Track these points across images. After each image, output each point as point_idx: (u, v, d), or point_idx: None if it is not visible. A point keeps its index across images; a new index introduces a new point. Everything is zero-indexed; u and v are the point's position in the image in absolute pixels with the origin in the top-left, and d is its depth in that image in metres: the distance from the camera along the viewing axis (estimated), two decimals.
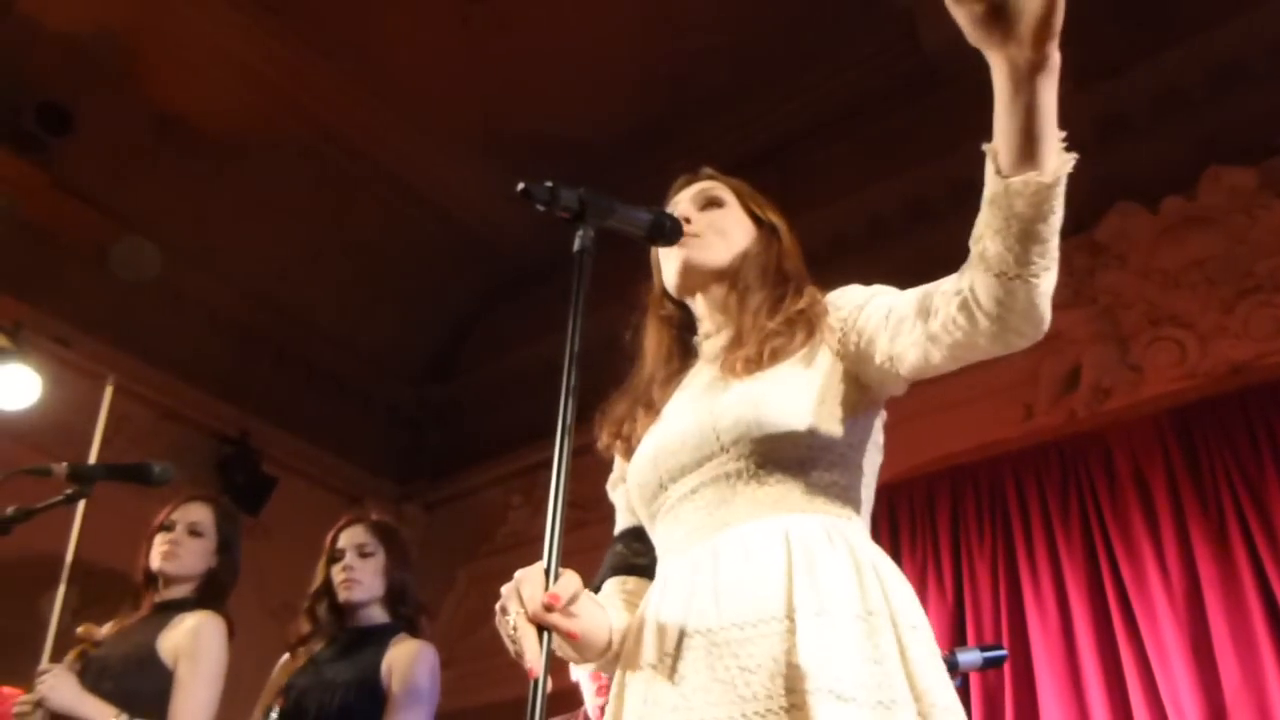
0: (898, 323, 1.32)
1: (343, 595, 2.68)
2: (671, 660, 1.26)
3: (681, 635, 1.27)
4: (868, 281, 1.50)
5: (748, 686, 1.19)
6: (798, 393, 1.37)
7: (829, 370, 1.40)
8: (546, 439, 1.31)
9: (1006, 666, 3.79)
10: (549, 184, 1.30)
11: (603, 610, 1.39)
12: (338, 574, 2.70)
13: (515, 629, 1.13)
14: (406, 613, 2.74)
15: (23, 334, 4.84)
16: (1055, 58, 1.08)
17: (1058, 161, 1.13)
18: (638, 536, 1.54)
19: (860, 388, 1.41)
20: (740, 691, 1.19)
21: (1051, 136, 1.12)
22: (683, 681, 1.23)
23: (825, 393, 1.38)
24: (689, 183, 1.65)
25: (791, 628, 1.20)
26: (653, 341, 1.64)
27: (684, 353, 1.62)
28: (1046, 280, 1.17)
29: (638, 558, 1.51)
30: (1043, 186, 1.12)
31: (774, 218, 1.62)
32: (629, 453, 1.53)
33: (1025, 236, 1.14)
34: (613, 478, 1.64)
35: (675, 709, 1.22)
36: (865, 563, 1.28)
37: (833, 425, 1.37)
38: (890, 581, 1.28)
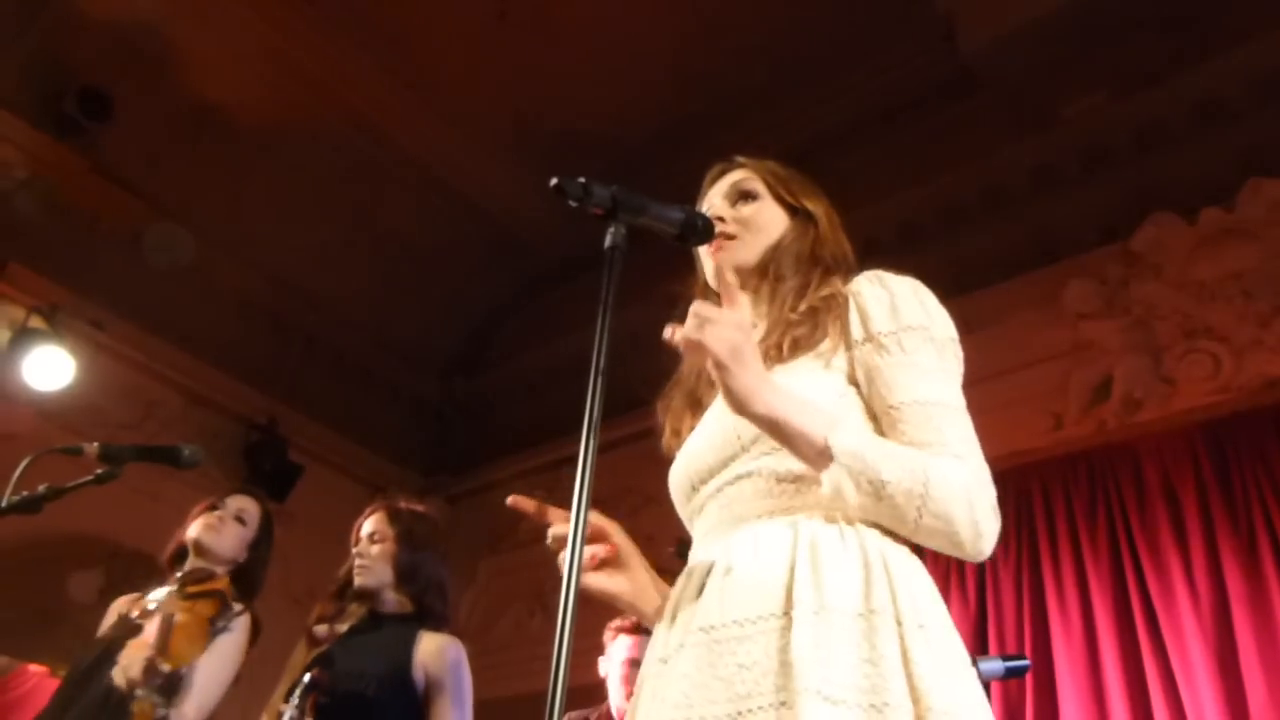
0: (882, 433, 1.35)
1: (355, 581, 2.75)
2: (678, 656, 1.27)
3: (688, 631, 1.27)
4: None
5: (743, 684, 1.18)
6: (815, 390, 1.35)
7: (847, 369, 1.39)
8: (571, 435, 1.31)
9: (1029, 677, 3.77)
10: (582, 180, 1.31)
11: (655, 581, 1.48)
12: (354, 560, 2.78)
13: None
14: (421, 595, 2.73)
15: (58, 316, 4.91)
16: (742, 379, 1.23)
17: (831, 475, 1.23)
18: None
19: None
20: (737, 689, 1.18)
21: (806, 440, 1.24)
22: (685, 679, 1.23)
23: (844, 391, 1.37)
24: (722, 173, 1.64)
25: (788, 625, 1.19)
26: None
27: None
28: (940, 520, 1.24)
29: None
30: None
31: (809, 204, 1.59)
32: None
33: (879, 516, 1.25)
34: None
35: (677, 706, 1.21)
36: (875, 560, 1.24)
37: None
38: (901, 579, 1.23)
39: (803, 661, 1.14)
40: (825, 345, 1.40)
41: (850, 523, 1.29)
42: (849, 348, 1.39)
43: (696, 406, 1.55)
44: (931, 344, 1.36)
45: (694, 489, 1.44)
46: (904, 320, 1.37)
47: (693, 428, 1.52)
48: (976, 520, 1.24)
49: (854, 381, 1.38)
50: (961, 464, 1.27)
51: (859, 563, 1.24)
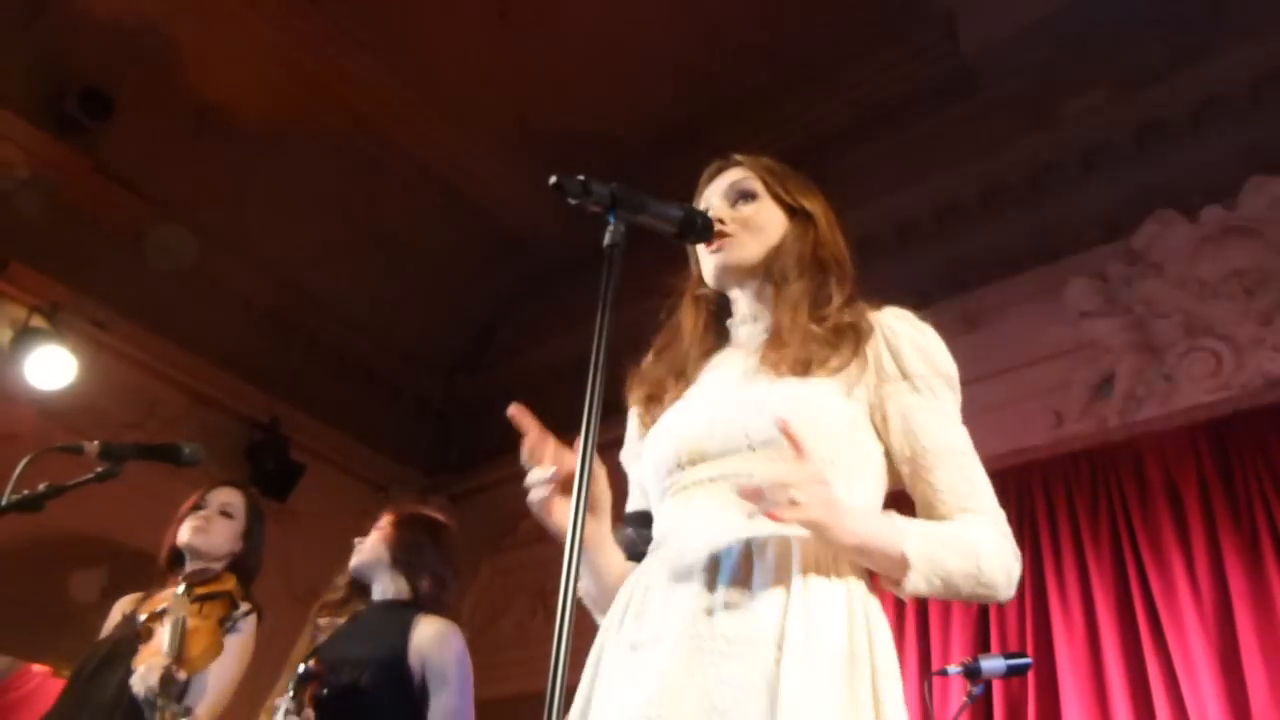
0: (911, 473, 1.42)
1: (351, 562, 2.77)
2: (653, 649, 1.28)
3: (670, 630, 1.28)
4: (896, 285, 1.50)
5: (721, 698, 1.20)
6: (831, 413, 1.38)
7: (869, 398, 1.42)
8: (571, 433, 1.32)
9: (1030, 675, 3.76)
10: (581, 178, 1.31)
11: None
12: None
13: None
14: (417, 580, 2.72)
15: (60, 316, 4.91)
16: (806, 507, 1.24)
17: (911, 581, 1.30)
18: (647, 522, 1.53)
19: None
20: (714, 700, 1.20)
21: (885, 555, 1.30)
22: (662, 677, 1.24)
23: (857, 418, 1.41)
24: (719, 171, 1.63)
25: (779, 656, 1.22)
26: (689, 318, 1.64)
27: (718, 333, 1.62)
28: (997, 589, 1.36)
29: (647, 545, 1.48)
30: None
31: (808, 204, 1.59)
32: (648, 425, 1.54)
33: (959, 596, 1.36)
34: (627, 451, 1.63)
35: (649, 702, 1.23)
36: (857, 604, 1.30)
37: (858, 452, 1.40)
38: (875, 624, 1.31)
39: (790, 697, 1.18)
40: (850, 370, 1.42)
41: (835, 559, 1.33)
42: (881, 380, 1.42)
43: (680, 376, 1.55)
44: (953, 393, 1.46)
45: (680, 466, 1.43)
46: (937, 366, 1.45)
47: (675, 396, 1.52)
48: (1011, 580, 1.36)
49: (874, 413, 1.42)
50: (991, 524, 1.38)
51: (844, 601, 1.29)
